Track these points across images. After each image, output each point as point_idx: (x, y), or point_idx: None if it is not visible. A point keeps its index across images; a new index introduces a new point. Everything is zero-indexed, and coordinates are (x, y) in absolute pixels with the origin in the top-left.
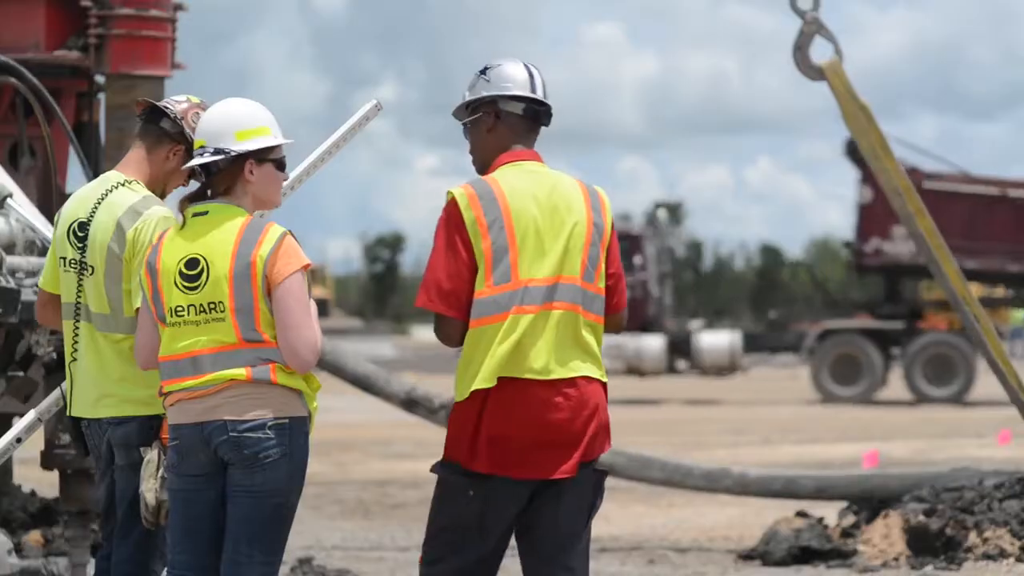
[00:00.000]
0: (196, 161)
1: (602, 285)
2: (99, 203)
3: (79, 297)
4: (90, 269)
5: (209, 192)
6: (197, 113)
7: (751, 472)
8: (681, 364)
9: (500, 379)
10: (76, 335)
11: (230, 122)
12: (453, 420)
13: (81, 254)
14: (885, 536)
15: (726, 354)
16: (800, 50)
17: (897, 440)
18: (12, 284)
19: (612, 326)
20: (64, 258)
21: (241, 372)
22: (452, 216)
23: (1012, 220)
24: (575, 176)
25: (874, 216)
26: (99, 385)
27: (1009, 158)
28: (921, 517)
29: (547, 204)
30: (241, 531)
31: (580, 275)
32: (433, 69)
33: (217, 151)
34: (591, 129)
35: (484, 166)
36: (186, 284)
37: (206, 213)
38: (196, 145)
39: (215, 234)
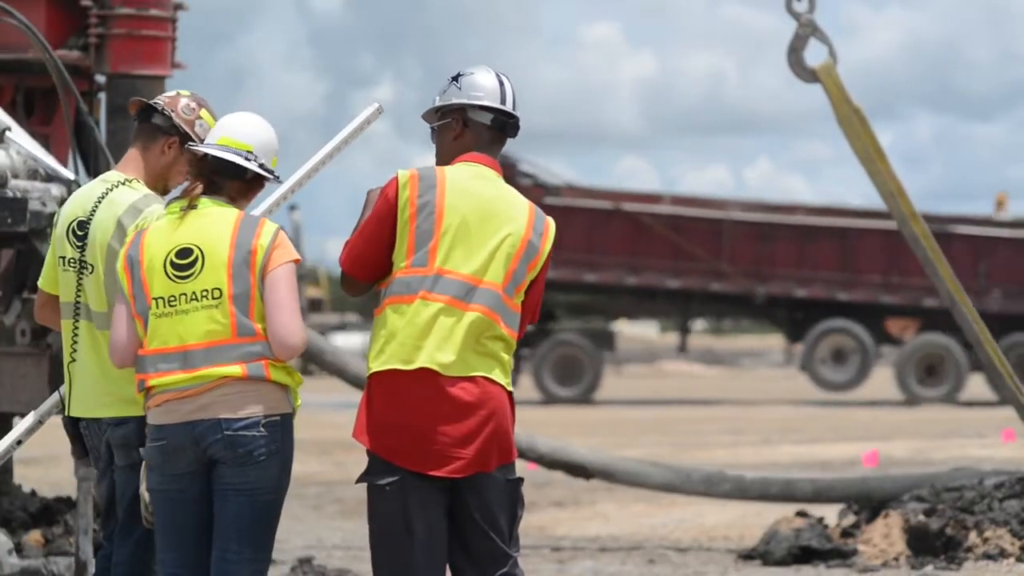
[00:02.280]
0: (246, 164)
1: (519, 303)
2: (99, 202)
3: (78, 296)
4: (90, 267)
5: (202, 188)
6: (188, 105)
7: (748, 476)
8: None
9: (404, 371)
10: (75, 335)
11: (274, 144)
12: (362, 398)
13: (81, 253)
14: (885, 536)
15: (359, 356)
16: (794, 52)
17: (897, 440)
18: (18, 195)
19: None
20: (63, 257)
21: (236, 369)
22: (388, 191)
23: (628, 233)
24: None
25: None
26: (98, 384)
27: (1006, 158)
28: (921, 517)
29: (486, 207)
30: (231, 530)
31: (502, 285)
32: (431, 69)
33: (267, 168)
34: (590, 129)
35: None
36: (177, 273)
37: (195, 207)
38: (240, 146)
39: (209, 225)
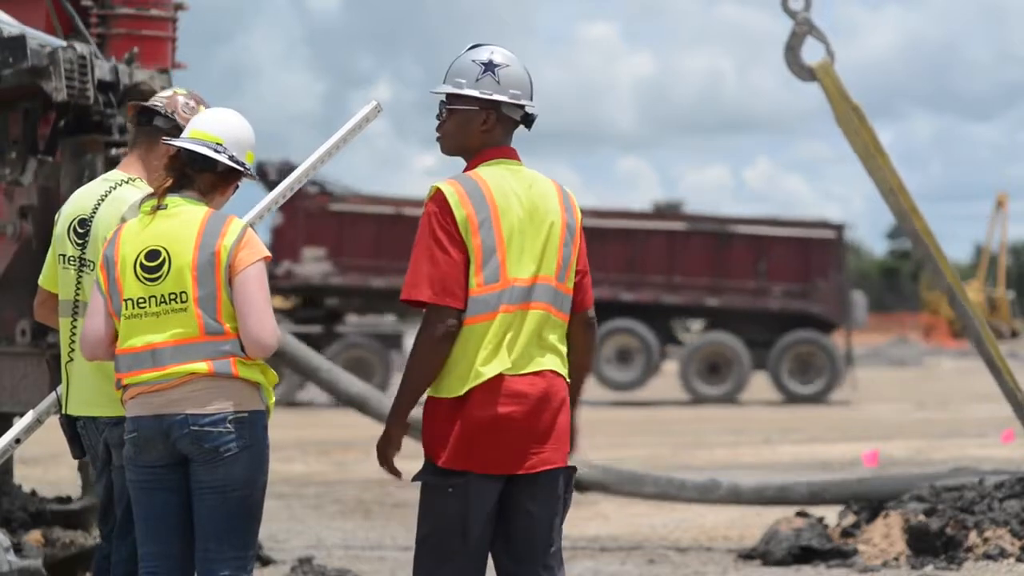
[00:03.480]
0: (216, 156)
1: (571, 285)
2: (102, 200)
3: (77, 295)
4: (91, 265)
5: (175, 181)
6: (187, 103)
7: (744, 482)
8: None
9: (483, 382)
10: (74, 333)
11: (249, 139)
12: (427, 416)
13: (81, 250)
14: (885, 536)
15: None
16: (792, 51)
17: (897, 440)
18: (14, 32)
19: (583, 325)
20: (63, 255)
21: (203, 366)
22: (442, 212)
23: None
24: (575, 174)
25: (285, 239)
26: (96, 384)
27: (1004, 157)
28: (921, 517)
29: (528, 203)
30: (210, 528)
31: (555, 275)
32: (429, 69)
33: (237, 161)
34: (589, 129)
35: (462, 153)
36: (146, 276)
37: (165, 207)
38: (209, 137)
39: (176, 226)
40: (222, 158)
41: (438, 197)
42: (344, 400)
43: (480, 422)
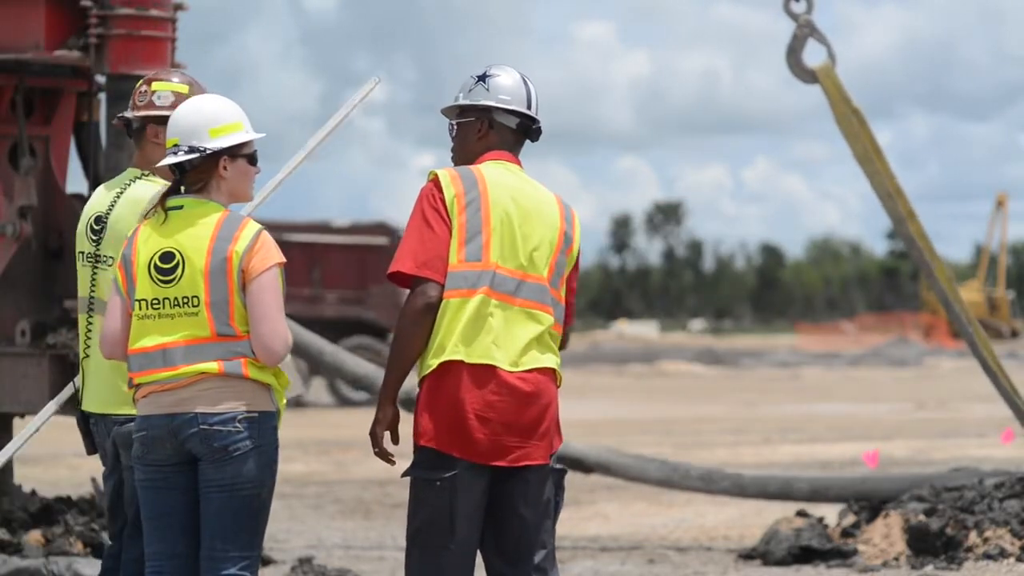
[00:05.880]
0: (169, 160)
1: (563, 293)
2: (119, 196)
3: (92, 291)
4: (106, 260)
5: (183, 188)
6: (140, 91)
7: (747, 474)
8: None
9: (466, 363)
10: (89, 329)
11: (203, 119)
12: (419, 398)
13: (96, 247)
14: (885, 536)
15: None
16: (793, 53)
17: (897, 440)
18: None
19: (561, 341)
20: (82, 252)
21: (213, 366)
22: (433, 191)
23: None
24: (574, 177)
25: None
26: (109, 381)
27: (1002, 157)
28: (921, 517)
29: (524, 203)
30: (216, 527)
31: (547, 278)
32: (424, 69)
33: (191, 149)
34: (586, 129)
35: (466, 164)
36: (161, 278)
37: (181, 208)
38: (169, 143)
39: (191, 229)
40: (179, 158)
41: (432, 179)
42: (351, 381)
43: (464, 406)
